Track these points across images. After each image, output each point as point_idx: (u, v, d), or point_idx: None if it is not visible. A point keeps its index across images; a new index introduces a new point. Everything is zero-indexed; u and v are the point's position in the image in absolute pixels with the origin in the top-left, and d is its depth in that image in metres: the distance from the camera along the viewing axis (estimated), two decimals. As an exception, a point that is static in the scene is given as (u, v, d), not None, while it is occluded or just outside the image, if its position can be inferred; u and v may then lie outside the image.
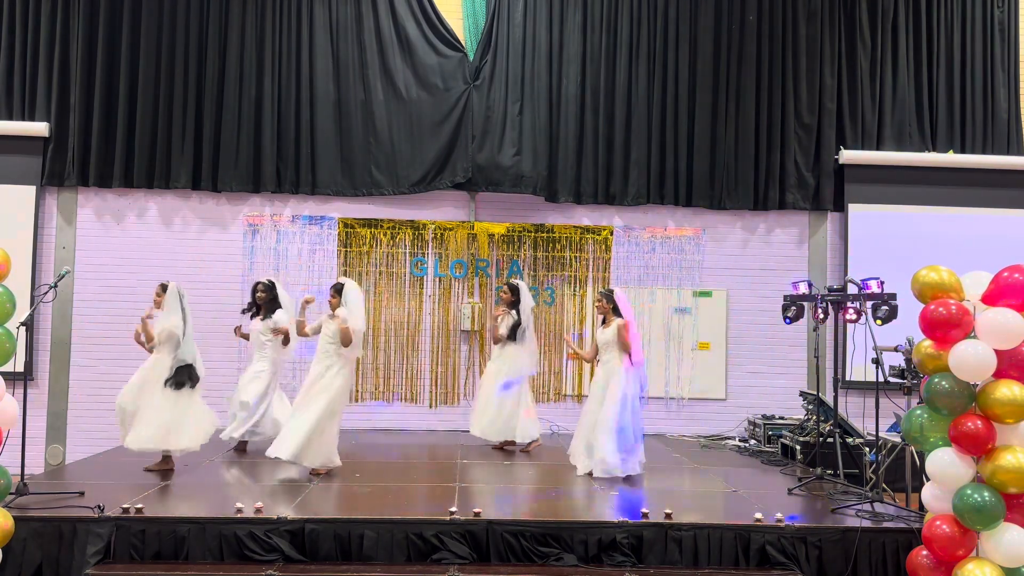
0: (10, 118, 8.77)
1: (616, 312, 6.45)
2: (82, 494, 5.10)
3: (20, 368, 6.11)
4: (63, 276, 5.86)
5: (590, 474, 6.27)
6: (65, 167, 8.79)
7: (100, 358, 8.76)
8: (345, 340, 6.05)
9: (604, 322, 6.53)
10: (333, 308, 6.22)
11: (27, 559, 4.66)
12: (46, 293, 5.64)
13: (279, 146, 8.97)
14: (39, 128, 8.69)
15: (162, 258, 8.88)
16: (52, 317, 8.77)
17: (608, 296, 6.53)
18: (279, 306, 7.12)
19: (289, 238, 9.10)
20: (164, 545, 4.69)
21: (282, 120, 8.96)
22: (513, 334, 7.48)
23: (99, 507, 4.79)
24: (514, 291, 7.58)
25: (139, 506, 4.83)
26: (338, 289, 6.25)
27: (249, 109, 8.90)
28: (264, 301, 7.10)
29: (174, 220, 9.02)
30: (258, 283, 7.21)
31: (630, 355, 6.35)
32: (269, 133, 8.90)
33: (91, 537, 4.66)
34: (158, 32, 8.87)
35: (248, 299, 7.44)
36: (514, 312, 7.52)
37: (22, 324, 5.14)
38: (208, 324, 8.19)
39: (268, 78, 8.92)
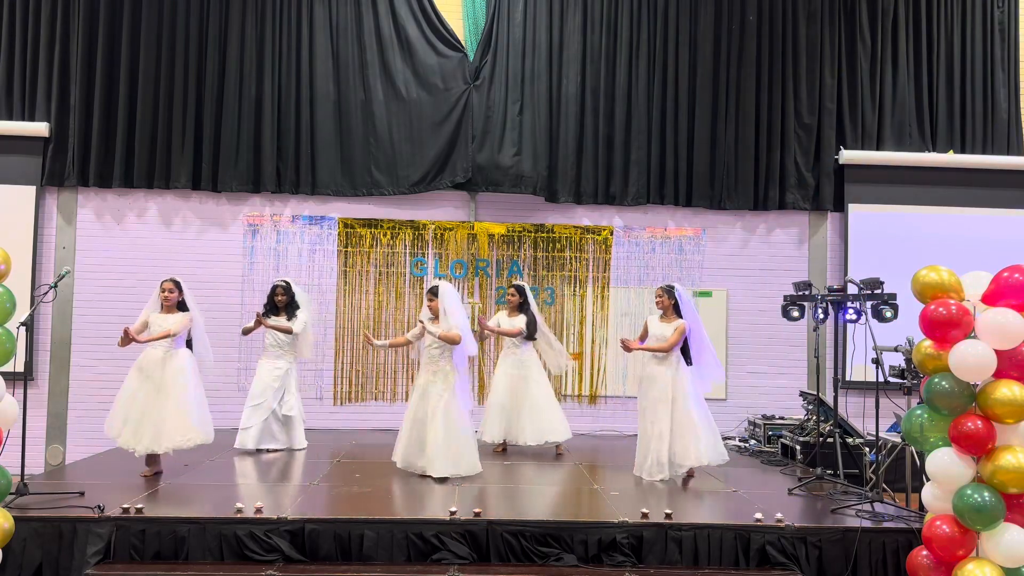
0: (10, 118, 8.77)
1: (677, 310, 6.29)
2: (82, 494, 5.10)
3: (20, 368, 6.11)
4: (63, 276, 5.86)
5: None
6: (65, 167, 8.79)
7: (100, 358, 8.76)
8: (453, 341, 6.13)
9: (663, 316, 6.34)
10: (434, 312, 6.20)
11: (27, 559, 4.66)
12: (46, 293, 5.64)
13: (279, 146, 8.97)
14: (39, 128, 8.69)
15: (162, 258, 8.88)
16: (52, 317, 8.77)
17: (670, 292, 6.33)
18: (298, 307, 7.22)
19: (289, 238, 9.10)
20: (164, 545, 4.69)
21: (282, 120, 8.96)
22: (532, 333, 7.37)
23: (99, 507, 4.79)
24: (521, 292, 7.46)
25: (139, 506, 4.83)
26: (435, 292, 6.23)
27: (249, 109, 8.90)
28: (284, 304, 7.15)
29: (174, 220, 9.03)
30: (277, 285, 7.23)
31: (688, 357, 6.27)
32: (269, 133, 8.90)
33: (91, 537, 4.66)
34: (158, 32, 8.87)
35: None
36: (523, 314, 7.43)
37: (22, 324, 5.13)
38: (208, 324, 8.15)
39: (268, 78, 8.92)
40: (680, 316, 6.25)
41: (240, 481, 6.15)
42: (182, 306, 6.12)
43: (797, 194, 9.30)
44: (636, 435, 6.58)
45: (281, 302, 7.18)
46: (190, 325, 6.12)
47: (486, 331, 7.46)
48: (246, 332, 7.24)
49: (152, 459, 6.08)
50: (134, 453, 5.96)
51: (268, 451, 7.11)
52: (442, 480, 6.02)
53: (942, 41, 9.50)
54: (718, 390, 9.20)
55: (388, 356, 9.02)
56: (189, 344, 6.20)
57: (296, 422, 7.28)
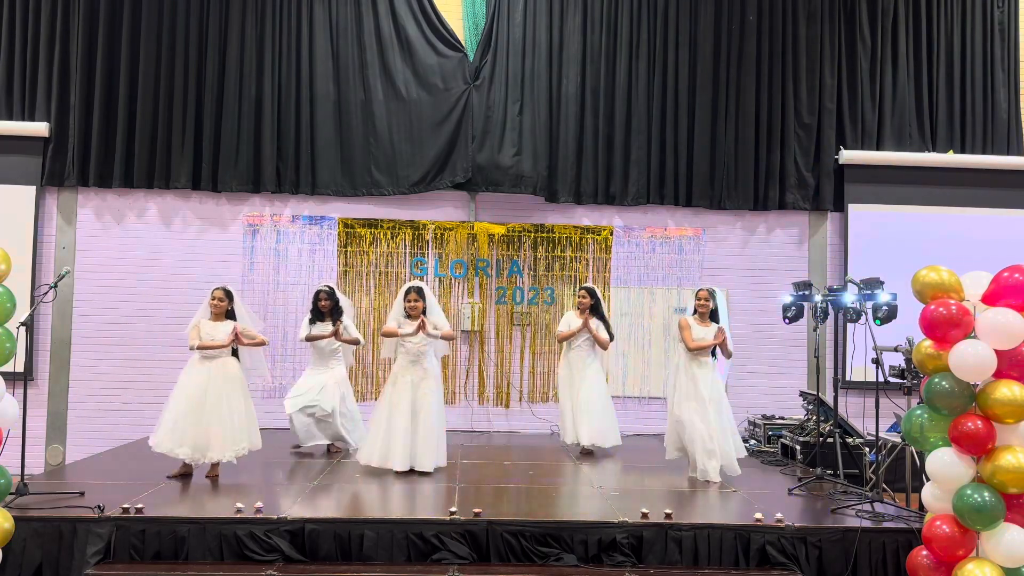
0: (10, 118, 8.77)
1: (715, 315, 6.38)
2: (82, 494, 5.10)
3: (20, 368, 6.11)
4: (63, 276, 5.86)
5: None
6: (65, 167, 8.79)
7: (100, 358, 8.77)
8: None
9: (701, 320, 6.36)
10: (415, 313, 6.30)
11: (27, 559, 4.66)
12: (46, 293, 5.64)
13: (279, 146, 8.97)
14: (39, 128, 8.69)
15: (162, 258, 8.89)
16: (52, 317, 8.77)
17: (713, 295, 6.40)
18: (342, 312, 7.18)
19: (289, 238, 9.10)
20: (164, 545, 4.69)
21: (282, 120, 8.95)
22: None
23: (99, 507, 4.78)
24: (593, 295, 7.43)
25: (139, 506, 4.83)
26: (421, 293, 6.35)
27: (249, 109, 8.89)
28: (328, 309, 7.13)
29: (174, 220, 9.02)
30: (321, 291, 7.19)
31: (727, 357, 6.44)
32: (269, 133, 8.90)
33: (91, 537, 4.65)
34: (158, 32, 8.87)
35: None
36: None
37: (22, 324, 5.13)
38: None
39: (268, 78, 8.92)
40: (715, 320, 6.39)
41: (240, 481, 6.15)
42: (230, 315, 6.11)
43: (797, 194, 9.30)
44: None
45: (325, 307, 7.12)
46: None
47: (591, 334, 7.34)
48: (312, 339, 7.14)
49: (214, 464, 6.06)
50: (194, 464, 5.96)
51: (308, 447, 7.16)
52: (425, 474, 6.15)
53: (942, 41, 9.49)
54: (718, 390, 9.22)
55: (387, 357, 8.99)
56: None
57: (346, 421, 7.17)
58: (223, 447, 5.90)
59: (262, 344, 6.22)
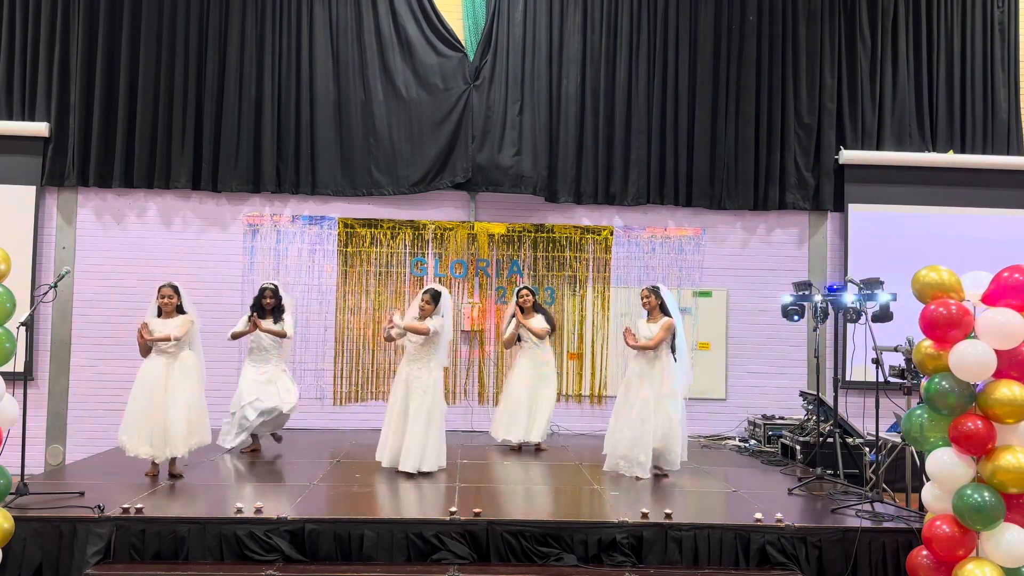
0: (10, 118, 8.77)
1: (663, 309, 6.41)
2: (82, 494, 5.10)
3: (20, 368, 6.11)
4: (63, 276, 5.86)
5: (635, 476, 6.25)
6: (65, 167, 8.79)
7: (100, 358, 8.77)
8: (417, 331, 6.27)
9: (649, 317, 6.48)
10: (426, 314, 6.30)
11: (27, 559, 4.66)
12: (46, 293, 5.64)
13: (279, 146, 8.97)
14: (39, 128, 8.69)
15: (162, 258, 8.88)
16: (52, 317, 8.77)
17: (656, 292, 6.49)
18: (284, 310, 7.20)
19: (289, 238, 9.09)
20: (164, 545, 4.69)
21: (282, 120, 8.95)
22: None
23: (99, 507, 4.79)
24: (533, 293, 7.71)
25: (139, 506, 4.83)
26: (436, 298, 6.32)
27: (249, 109, 8.89)
28: (271, 307, 7.14)
29: (174, 220, 9.02)
30: (266, 288, 7.19)
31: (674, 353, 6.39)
32: (269, 133, 8.89)
33: (91, 537, 4.66)
34: (158, 32, 8.87)
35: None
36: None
37: (22, 324, 5.13)
38: (208, 324, 8.13)
39: (268, 78, 8.92)
40: (667, 315, 6.38)
41: (240, 481, 6.15)
42: (181, 310, 6.08)
43: (797, 194, 9.30)
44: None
45: (269, 305, 7.13)
46: (191, 327, 6.09)
47: (521, 329, 7.57)
48: (236, 336, 7.19)
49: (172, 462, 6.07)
50: (156, 460, 5.94)
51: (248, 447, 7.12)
52: (410, 476, 6.10)
53: (942, 41, 9.50)
54: (718, 390, 9.23)
55: (388, 356, 9.02)
56: None
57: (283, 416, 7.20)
58: (178, 442, 5.87)
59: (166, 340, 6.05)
